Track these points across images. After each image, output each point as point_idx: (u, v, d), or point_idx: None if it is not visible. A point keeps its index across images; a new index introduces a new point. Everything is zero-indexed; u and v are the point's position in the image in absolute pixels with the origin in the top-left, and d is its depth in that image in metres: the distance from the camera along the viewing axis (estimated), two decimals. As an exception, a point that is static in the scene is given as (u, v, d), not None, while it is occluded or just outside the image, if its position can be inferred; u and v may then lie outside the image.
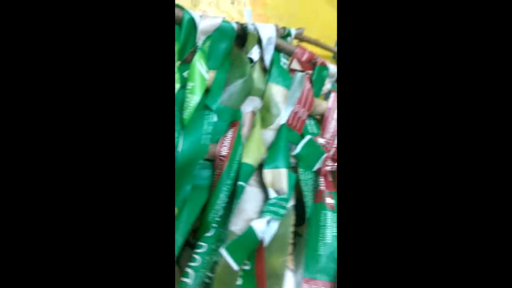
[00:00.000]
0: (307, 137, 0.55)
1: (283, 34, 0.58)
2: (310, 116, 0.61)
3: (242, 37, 0.53)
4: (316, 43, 0.65)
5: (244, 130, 0.52)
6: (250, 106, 0.54)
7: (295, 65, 0.58)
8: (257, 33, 0.53)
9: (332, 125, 0.61)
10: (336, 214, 0.52)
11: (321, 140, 0.59)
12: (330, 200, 0.53)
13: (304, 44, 0.63)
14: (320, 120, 0.62)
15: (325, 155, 0.56)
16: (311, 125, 0.61)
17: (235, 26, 0.52)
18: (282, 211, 0.48)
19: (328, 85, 0.64)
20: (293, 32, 0.59)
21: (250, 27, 0.51)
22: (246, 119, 0.53)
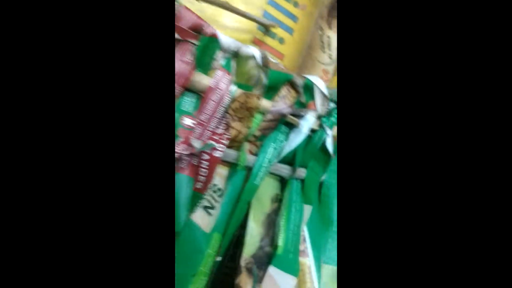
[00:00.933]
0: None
1: (169, -9, 0.50)
2: (192, 91, 0.55)
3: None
4: (222, 6, 0.55)
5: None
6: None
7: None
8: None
9: (211, 106, 0.55)
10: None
11: (188, 121, 0.53)
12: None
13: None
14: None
15: (178, 140, 0.51)
16: (189, 102, 0.55)
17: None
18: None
19: (220, 60, 0.56)
20: (184, -10, 0.51)
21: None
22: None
